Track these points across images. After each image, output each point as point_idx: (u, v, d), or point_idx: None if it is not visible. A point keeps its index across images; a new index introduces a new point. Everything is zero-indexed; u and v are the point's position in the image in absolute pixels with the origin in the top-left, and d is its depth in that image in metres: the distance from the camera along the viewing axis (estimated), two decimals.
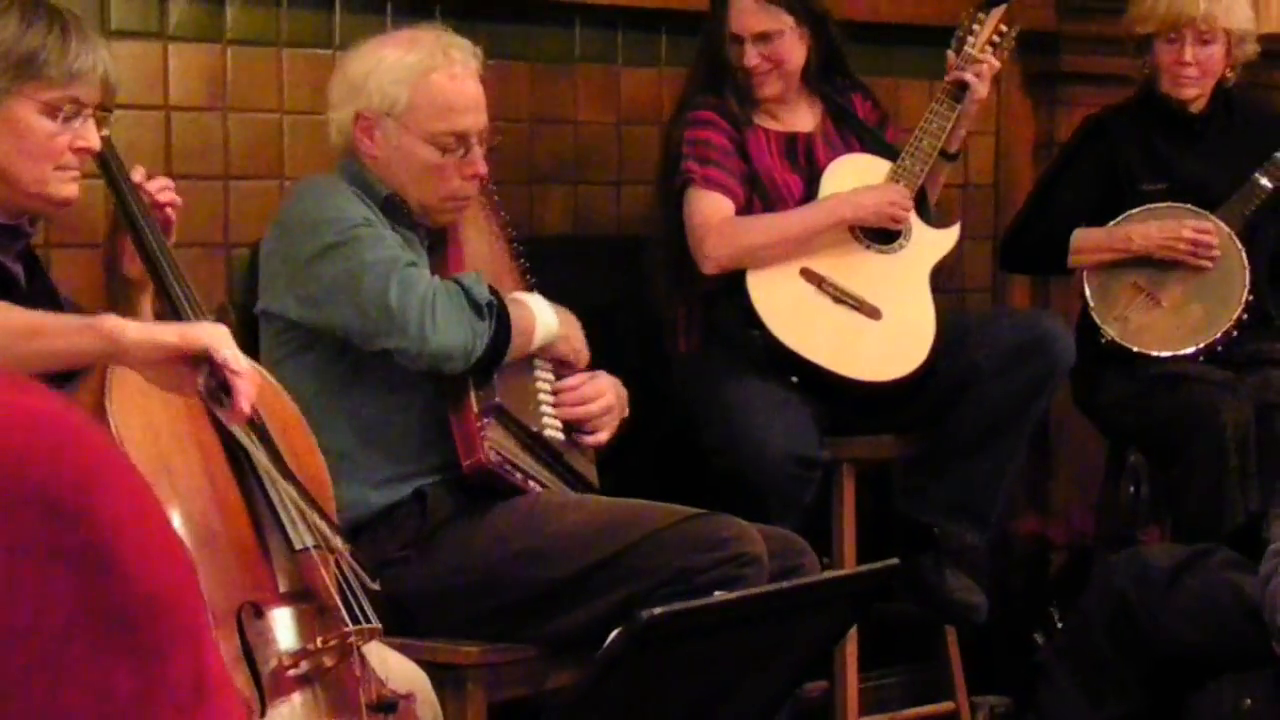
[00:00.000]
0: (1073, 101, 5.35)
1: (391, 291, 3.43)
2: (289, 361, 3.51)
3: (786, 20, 4.32)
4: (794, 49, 4.35)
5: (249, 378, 2.67)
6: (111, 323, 2.64)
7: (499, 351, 3.54)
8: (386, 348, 3.47)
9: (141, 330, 2.66)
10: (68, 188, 2.93)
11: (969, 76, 4.34)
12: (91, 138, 2.92)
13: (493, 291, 3.54)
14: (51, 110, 2.88)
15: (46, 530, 0.96)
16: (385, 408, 3.55)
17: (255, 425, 2.83)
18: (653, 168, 4.49)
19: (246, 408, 2.67)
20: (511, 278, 3.76)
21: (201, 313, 2.92)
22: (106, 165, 3.03)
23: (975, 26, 4.39)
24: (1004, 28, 4.41)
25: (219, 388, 2.65)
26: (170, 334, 2.67)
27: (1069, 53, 5.36)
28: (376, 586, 2.84)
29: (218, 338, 2.65)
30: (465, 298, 3.48)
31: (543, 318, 3.65)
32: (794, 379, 4.20)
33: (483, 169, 3.61)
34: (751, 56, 4.32)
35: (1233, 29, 4.72)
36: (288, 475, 2.82)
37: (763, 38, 4.32)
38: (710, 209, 4.23)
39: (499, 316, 3.52)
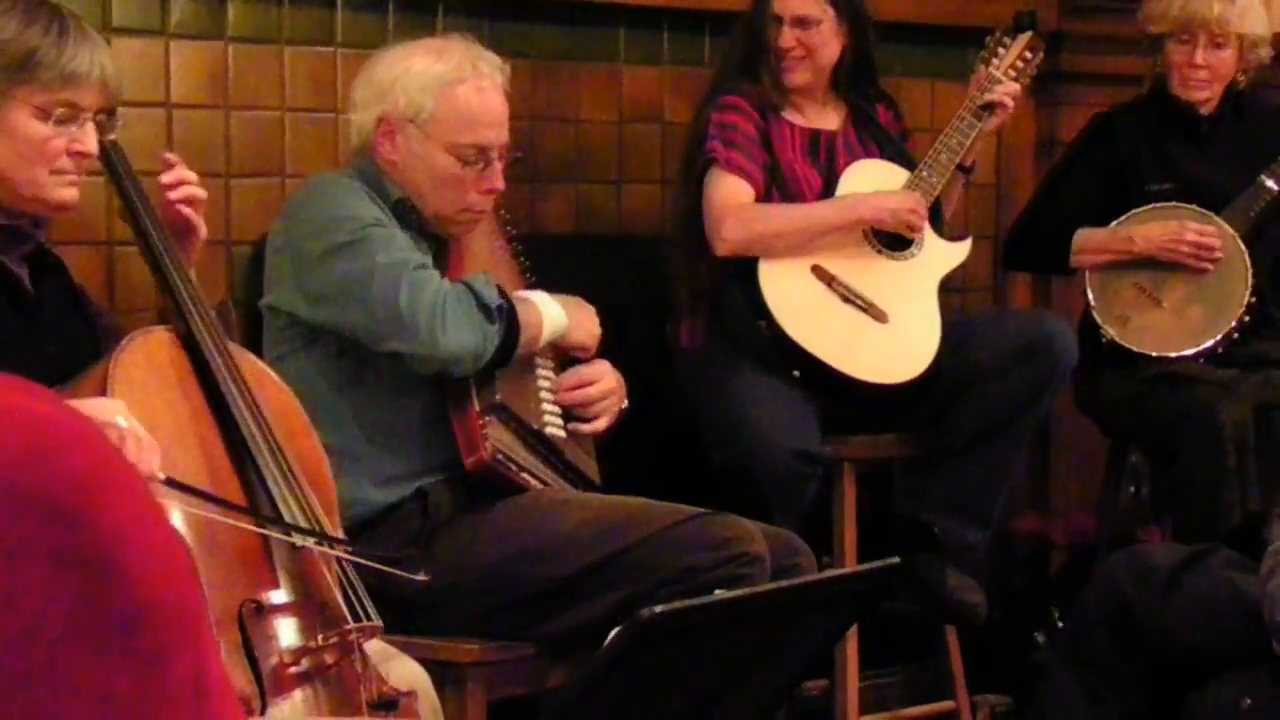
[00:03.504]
0: (1075, 101, 5.35)
1: (401, 295, 3.42)
2: (291, 358, 3.51)
3: (828, 11, 4.35)
4: (829, 41, 4.37)
5: (147, 446, 2.64)
6: None
7: (507, 353, 3.54)
8: (396, 350, 3.47)
9: None
10: (65, 191, 2.89)
11: (995, 97, 4.36)
12: (89, 142, 2.88)
13: (501, 292, 3.55)
14: (44, 114, 2.85)
15: (46, 534, 0.96)
16: (387, 406, 3.55)
17: (260, 423, 2.85)
18: (654, 166, 4.50)
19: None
20: (512, 277, 3.75)
21: (206, 313, 2.94)
22: (113, 168, 3.02)
23: (1000, 50, 4.43)
24: (1029, 55, 4.44)
25: None
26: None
27: (1071, 52, 5.35)
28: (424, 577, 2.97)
29: (111, 410, 2.65)
30: (475, 301, 3.48)
31: (549, 313, 3.65)
32: (795, 373, 4.20)
33: (500, 185, 3.61)
34: (787, 38, 4.34)
35: (1246, 34, 4.68)
36: (289, 473, 2.84)
37: (801, 22, 4.35)
38: (730, 192, 4.25)
39: (508, 318, 3.52)
